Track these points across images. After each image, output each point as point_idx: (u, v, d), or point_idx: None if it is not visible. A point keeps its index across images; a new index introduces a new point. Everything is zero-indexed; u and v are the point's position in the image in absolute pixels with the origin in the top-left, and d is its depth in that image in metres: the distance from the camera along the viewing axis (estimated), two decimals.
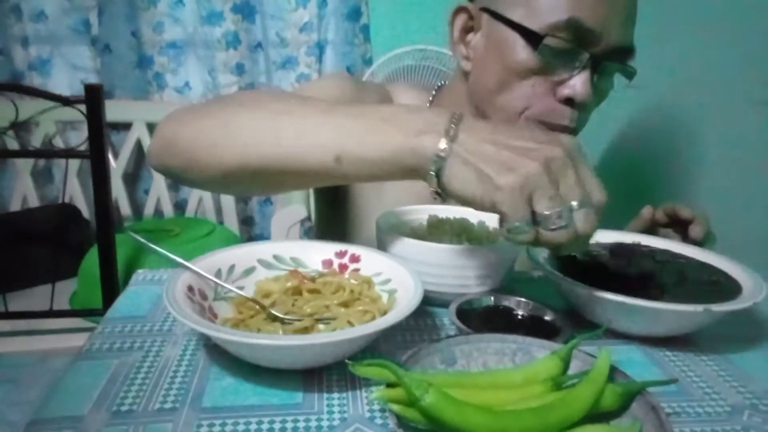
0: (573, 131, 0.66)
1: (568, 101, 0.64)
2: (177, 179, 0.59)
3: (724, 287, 0.53)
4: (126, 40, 1.72)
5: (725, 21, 1.05)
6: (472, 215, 0.64)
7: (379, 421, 0.39)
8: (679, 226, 0.71)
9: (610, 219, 0.75)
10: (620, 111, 1.32)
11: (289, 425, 0.38)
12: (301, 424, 0.38)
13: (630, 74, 0.66)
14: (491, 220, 0.63)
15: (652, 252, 0.61)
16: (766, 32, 0.96)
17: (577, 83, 0.62)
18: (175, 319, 0.52)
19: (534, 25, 0.62)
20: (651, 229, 0.73)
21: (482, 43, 0.68)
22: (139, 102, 1.77)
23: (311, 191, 0.90)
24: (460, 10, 0.69)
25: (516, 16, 0.63)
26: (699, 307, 0.46)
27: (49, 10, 1.70)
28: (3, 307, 1.26)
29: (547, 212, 0.42)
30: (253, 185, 0.57)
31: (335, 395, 0.42)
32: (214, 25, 1.75)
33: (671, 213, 0.70)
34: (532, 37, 0.62)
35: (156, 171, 0.60)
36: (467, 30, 0.70)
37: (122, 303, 0.55)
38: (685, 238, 0.69)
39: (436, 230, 0.60)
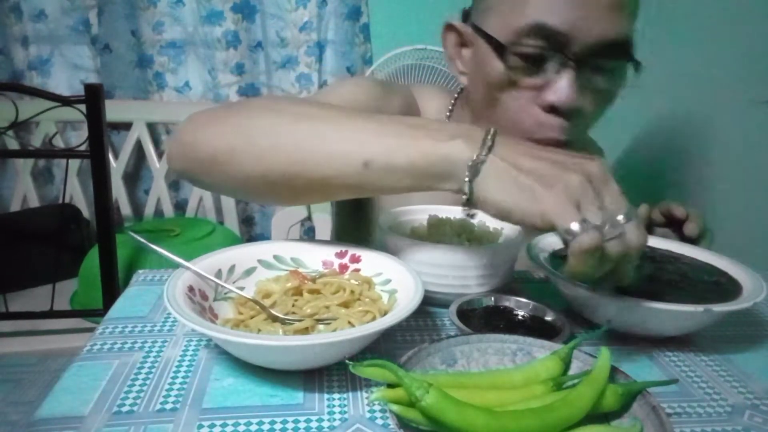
0: (565, 144, 0.62)
1: (554, 109, 0.60)
2: (198, 185, 0.56)
3: (724, 287, 0.53)
4: (126, 40, 1.72)
5: (725, 21, 1.05)
6: (473, 216, 0.64)
7: (379, 421, 0.39)
8: (676, 225, 0.70)
9: None
10: (620, 111, 1.32)
11: (290, 426, 0.38)
12: (302, 425, 0.38)
13: (634, 67, 0.62)
14: (491, 220, 0.63)
15: (652, 252, 0.61)
16: (766, 32, 0.95)
17: (558, 87, 0.59)
18: (175, 320, 0.52)
19: (502, 33, 0.60)
20: (647, 228, 0.71)
21: (471, 57, 0.67)
22: (139, 102, 1.77)
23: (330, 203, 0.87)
24: (448, 27, 0.68)
25: (489, 26, 0.61)
26: (699, 308, 0.46)
27: (49, 9, 1.70)
28: (3, 307, 1.26)
29: (598, 221, 0.39)
30: (275, 194, 0.52)
31: (336, 395, 0.42)
32: (214, 25, 1.75)
33: (666, 212, 0.70)
34: (499, 48, 0.60)
35: (177, 175, 0.57)
36: (462, 45, 0.69)
37: (123, 303, 0.55)
38: (682, 237, 0.69)
39: (436, 230, 0.60)
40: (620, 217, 0.40)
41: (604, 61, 0.60)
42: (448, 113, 0.76)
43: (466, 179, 0.43)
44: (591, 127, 0.67)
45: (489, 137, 0.43)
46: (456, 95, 0.78)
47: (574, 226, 0.39)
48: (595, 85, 0.61)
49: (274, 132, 0.49)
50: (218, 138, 0.51)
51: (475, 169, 0.43)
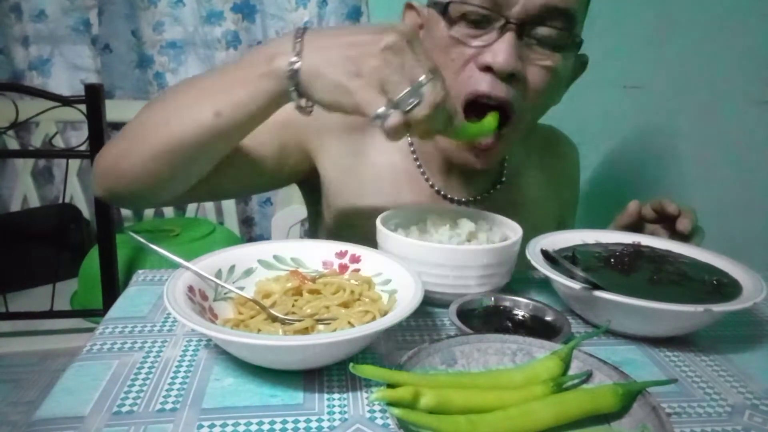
0: (505, 105, 0.61)
1: (490, 71, 0.59)
2: (117, 202, 0.63)
3: (724, 287, 0.53)
4: (126, 40, 1.71)
5: (725, 21, 1.05)
6: (473, 216, 0.64)
7: (379, 421, 0.39)
8: (667, 222, 0.69)
9: (609, 218, 0.75)
10: (620, 111, 1.33)
11: (290, 426, 0.38)
12: (302, 425, 0.38)
13: (573, 43, 0.62)
14: (491, 221, 0.64)
15: (652, 252, 0.61)
16: (766, 32, 0.96)
17: (496, 49, 0.58)
18: (175, 320, 0.52)
19: None
20: (637, 224, 0.71)
21: (426, 34, 0.67)
22: (139, 102, 1.77)
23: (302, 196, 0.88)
24: (408, 6, 0.71)
25: None
26: (699, 308, 0.46)
27: (50, 9, 1.69)
28: (3, 307, 1.26)
29: (399, 96, 0.45)
30: (170, 174, 0.58)
31: (336, 395, 0.42)
32: (215, 25, 1.75)
33: (658, 208, 0.68)
34: (443, 8, 0.61)
35: (103, 200, 0.65)
36: (420, 27, 0.69)
37: (122, 303, 0.55)
38: (673, 234, 0.68)
39: (436, 230, 0.60)
40: (422, 78, 0.46)
41: (546, 29, 0.60)
42: None
43: (292, 90, 0.49)
44: (538, 107, 0.66)
45: (297, 41, 0.48)
46: None
47: (380, 111, 0.45)
48: (538, 58, 0.61)
49: (149, 121, 0.57)
50: (117, 147, 0.60)
51: (294, 78, 0.48)
